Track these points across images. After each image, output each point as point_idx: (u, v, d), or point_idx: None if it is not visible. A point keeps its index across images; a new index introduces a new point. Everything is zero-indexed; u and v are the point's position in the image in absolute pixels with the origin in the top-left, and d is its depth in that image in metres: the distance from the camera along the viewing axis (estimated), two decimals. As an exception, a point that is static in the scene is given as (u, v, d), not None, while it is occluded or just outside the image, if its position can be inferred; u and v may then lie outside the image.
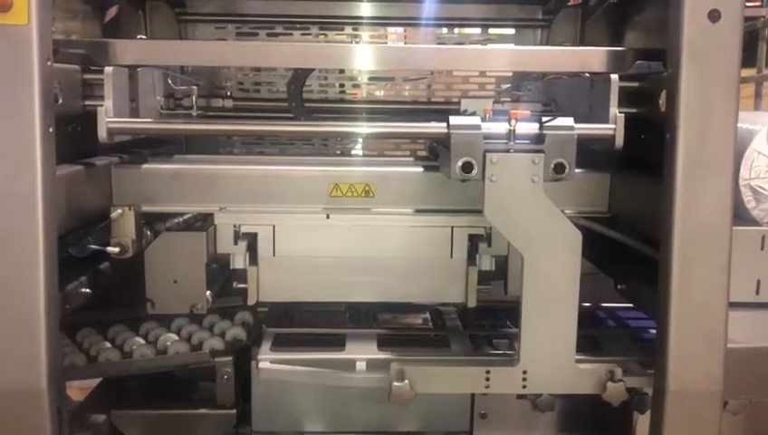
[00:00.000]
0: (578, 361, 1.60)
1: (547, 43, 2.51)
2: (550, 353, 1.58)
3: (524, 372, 1.59)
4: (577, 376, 1.60)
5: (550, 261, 1.56)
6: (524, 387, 1.60)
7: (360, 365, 1.70)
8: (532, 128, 1.55)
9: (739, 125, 1.98)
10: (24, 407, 1.50)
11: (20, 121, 1.43)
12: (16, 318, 1.47)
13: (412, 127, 1.76)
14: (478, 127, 1.55)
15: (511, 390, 1.63)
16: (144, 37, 2.31)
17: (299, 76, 2.21)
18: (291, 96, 2.23)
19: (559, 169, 1.53)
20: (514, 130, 1.54)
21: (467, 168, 1.53)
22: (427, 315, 2.15)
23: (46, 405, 1.51)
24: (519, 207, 1.54)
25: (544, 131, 1.54)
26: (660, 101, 1.58)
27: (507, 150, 1.54)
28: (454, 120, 1.56)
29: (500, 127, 1.56)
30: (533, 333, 1.58)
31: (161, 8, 2.49)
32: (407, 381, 1.57)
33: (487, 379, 1.60)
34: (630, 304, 1.99)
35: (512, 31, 2.57)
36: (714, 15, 1.47)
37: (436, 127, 1.61)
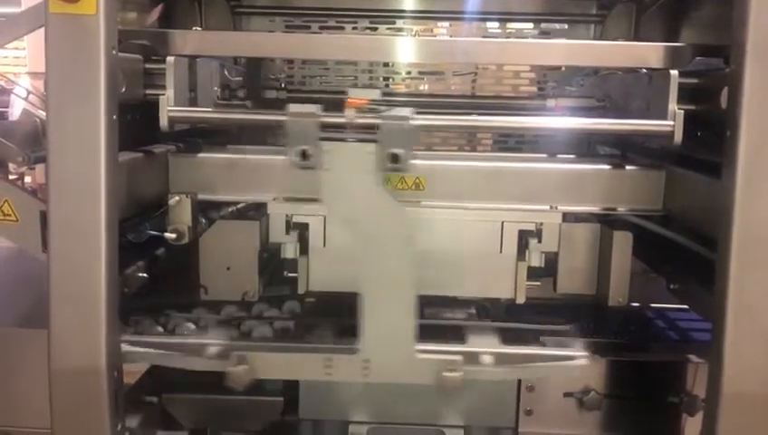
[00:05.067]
0: (417, 350, 1.59)
1: (601, 39, 2.47)
2: (390, 342, 1.58)
3: (366, 361, 1.59)
4: (415, 365, 1.59)
5: (386, 250, 1.57)
6: (366, 376, 1.59)
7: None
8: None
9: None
10: (83, 386, 1.55)
11: (86, 109, 1.48)
12: (78, 299, 1.51)
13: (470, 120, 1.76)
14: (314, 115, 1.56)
15: (353, 378, 1.63)
16: (199, 29, 2.34)
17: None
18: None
19: (395, 159, 1.53)
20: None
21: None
22: (473, 310, 2.15)
23: (104, 385, 1.55)
24: (356, 197, 1.55)
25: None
26: (721, 99, 1.55)
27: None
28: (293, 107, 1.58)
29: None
30: (373, 322, 1.57)
31: (216, 1, 2.53)
32: (246, 366, 1.60)
33: (328, 365, 1.61)
34: (682, 305, 1.96)
35: (565, 26, 2.54)
36: (781, 11, 1.44)
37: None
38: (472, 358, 1.62)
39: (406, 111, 1.57)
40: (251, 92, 2.33)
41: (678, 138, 1.60)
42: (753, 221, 1.48)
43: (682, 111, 1.60)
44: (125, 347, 1.65)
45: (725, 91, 1.53)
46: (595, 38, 2.48)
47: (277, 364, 1.66)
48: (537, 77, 2.57)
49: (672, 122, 1.60)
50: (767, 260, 1.49)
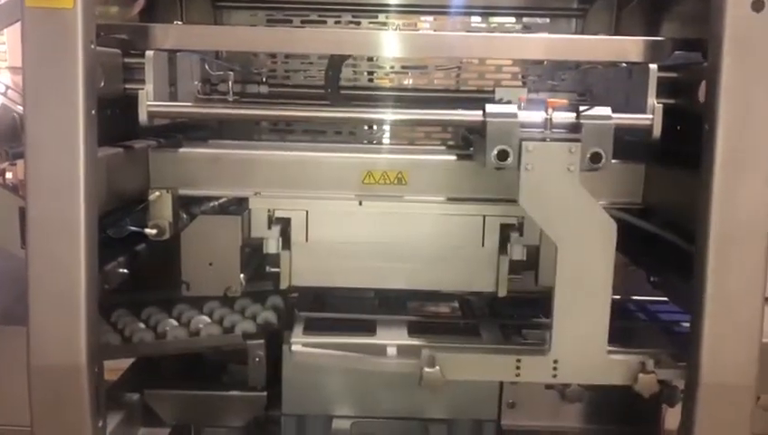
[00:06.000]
0: (609, 352, 1.60)
1: (582, 34, 2.49)
2: (581, 343, 1.58)
3: (555, 362, 1.59)
4: (608, 367, 1.59)
5: (584, 251, 1.55)
6: (555, 377, 1.60)
7: (391, 351, 1.71)
8: (569, 117, 1.54)
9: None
10: (63, 382, 1.53)
11: (64, 104, 1.46)
12: (58, 295, 1.50)
13: (448, 114, 1.76)
14: (515, 115, 1.55)
15: (541, 379, 1.63)
16: (180, 23, 2.33)
17: (335, 62, 2.22)
18: (328, 82, 2.25)
19: (595, 158, 1.52)
20: (551, 119, 1.54)
21: (503, 155, 1.53)
22: (456, 304, 2.16)
23: (85, 381, 1.54)
24: (554, 197, 1.54)
25: (581, 120, 1.53)
26: (699, 92, 1.57)
27: (543, 139, 1.54)
28: (490, 107, 1.56)
29: (536, 115, 1.55)
30: (565, 323, 1.57)
31: (198, -6, 2.52)
32: (437, 368, 1.58)
33: (518, 367, 1.61)
34: (662, 298, 1.98)
35: (547, 21, 2.55)
36: (757, 5, 1.45)
37: (472, 115, 1.61)
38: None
39: (606, 110, 1.55)
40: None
41: (657, 131, 1.61)
42: (730, 214, 1.50)
43: (661, 105, 1.62)
44: (297, 348, 1.74)
45: (704, 84, 1.55)
46: (577, 32, 2.49)
47: (468, 365, 1.66)
48: (521, 71, 2.58)
49: (651, 116, 1.62)
50: (744, 252, 1.51)
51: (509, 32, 2.57)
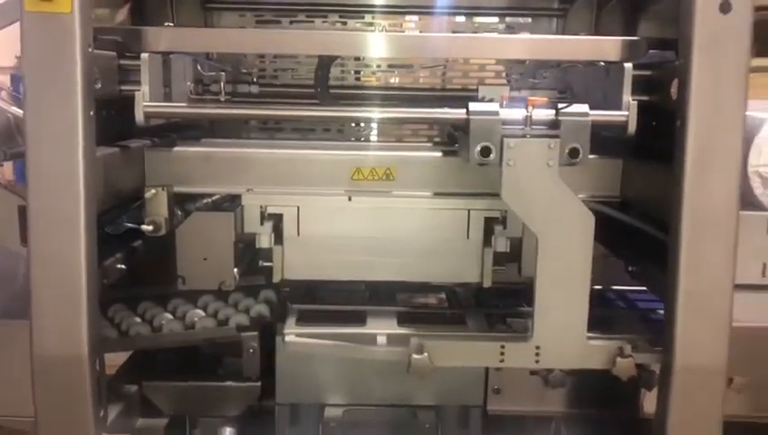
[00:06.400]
0: (589, 338, 1.68)
1: (563, 33, 2.56)
2: (562, 330, 1.66)
3: (537, 348, 1.67)
4: (587, 352, 1.68)
5: (563, 242, 1.63)
6: (537, 362, 1.68)
7: (381, 339, 1.79)
8: (549, 114, 1.62)
9: (749, 113, 2.05)
10: (66, 373, 1.60)
11: (63, 105, 1.52)
12: (60, 289, 1.57)
13: (434, 112, 1.83)
14: (496, 113, 1.62)
15: (524, 364, 1.71)
16: (171, 25, 2.38)
17: (325, 62, 2.29)
18: (317, 82, 2.31)
19: (573, 153, 1.60)
20: (531, 116, 1.61)
21: (485, 152, 1.60)
22: (443, 295, 2.24)
23: (87, 371, 1.61)
24: (535, 191, 1.61)
25: (560, 117, 1.61)
26: (672, 90, 1.65)
27: (524, 136, 1.61)
28: (473, 105, 1.64)
29: (517, 113, 1.63)
30: (546, 311, 1.65)
31: (188, -4, 2.57)
32: (425, 355, 1.65)
33: (502, 353, 1.69)
34: (640, 287, 2.07)
35: (529, 20, 2.63)
36: (724, 7, 1.53)
37: (456, 113, 1.68)
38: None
39: (584, 107, 1.63)
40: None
41: (632, 127, 1.69)
42: (701, 205, 1.58)
43: (636, 102, 1.69)
44: (290, 338, 1.83)
45: (676, 82, 1.63)
46: (557, 32, 2.56)
47: (455, 352, 1.73)
48: (505, 69, 2.65)
49: (626, 113, 1.69)
50: (715, 241, 1.59)
51: (492, 31, 2.64)
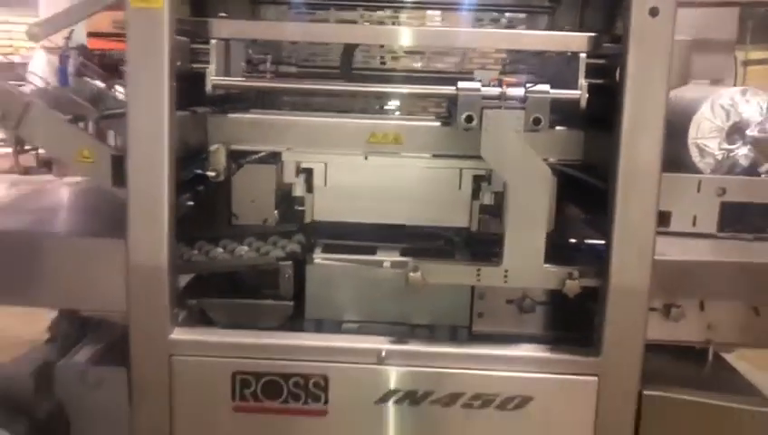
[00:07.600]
0: (546, 266, 2.17)
1: (552, 28, 3.01)
2: (525, 257, 2.14)
3: (506, 271, 2.16)
4: (544, 275, 2.15)
5: (527, 189, 2.11)
6: (506, 282, 2.16)
7: (387, 264, 2.33)
8: (519, 91, 2.11)
9: (692, 95, 2.54)
10: (152, 278, 2.13)
11: (155, 78, 2.05)
12: (149, 214, 2.10)
13: (431, 88, 2.36)
14: (478, 90, 2.11)
15: (496, 283, 2.18)
16: (225, 15, 2.88)
17: (349, 48, 2.80)
18: (342, 64, 2.83)
19: (536, 122, 2.08)
20: (505, 93, 2.11)
21: (469, 119, 2.09)
22: (442, 243, 2.73)
23: (166, 279, 2.15)
24: (506, 149, 2.10)
25: (527, 94, 2.10)
26: (617, 75, 2.12)
27: (499, 107, 2.10)
28: (461, 84, 2.13)
29: (494, 90, 2.12)
30: (514, 242, 2.14)
31: (238, -9, 3.06)
32: (419, 273, 2.16)
33: (478, 274, 2.18)
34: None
35: (523, 16, 3.09)
36: (653, 11, 2.00)
37: (448, 89, 2.17)
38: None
39: (546, 87, 2.11)
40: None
41: (583, 103, 2.16)
42: (632, 161, 2.06)
43: (586, 84, 2.16)
44: (318, 260, 2.40)
45: (618, 69, 2.10)
46: (547, 27, 3.01)
47: (442, 272, 2.20)
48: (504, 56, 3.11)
49: (579, 92, 2.17)
50: (642, 193, 2.07)
51: (494, 26, 3.10)
